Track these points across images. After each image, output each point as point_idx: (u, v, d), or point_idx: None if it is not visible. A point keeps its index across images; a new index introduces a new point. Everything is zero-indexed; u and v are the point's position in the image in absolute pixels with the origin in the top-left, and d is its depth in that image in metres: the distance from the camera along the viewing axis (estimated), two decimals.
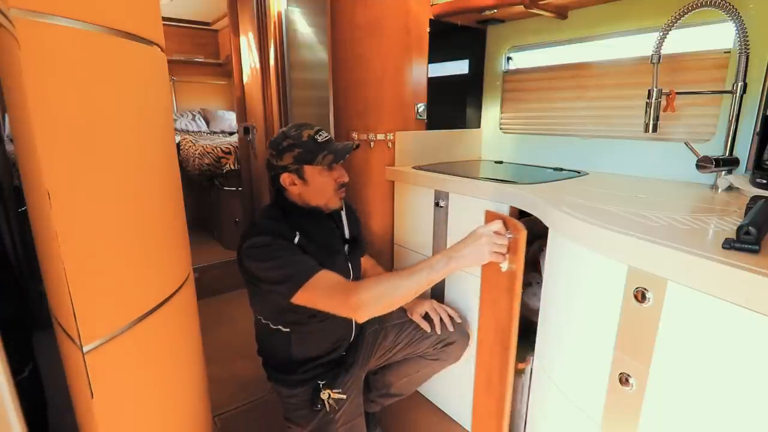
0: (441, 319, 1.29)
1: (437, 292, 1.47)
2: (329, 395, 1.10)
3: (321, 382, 1.12)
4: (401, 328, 1.31)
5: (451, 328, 1.28)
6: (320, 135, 1.10)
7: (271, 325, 1.14)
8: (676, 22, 1.06)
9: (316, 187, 1.11)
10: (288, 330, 1.12)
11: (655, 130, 1.16)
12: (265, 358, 1.23)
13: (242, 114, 2.61)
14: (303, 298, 0.98)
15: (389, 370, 1.36)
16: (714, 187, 1.17)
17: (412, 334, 1.29)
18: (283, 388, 1.15)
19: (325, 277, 1.00)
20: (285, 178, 1.11)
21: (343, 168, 1.15)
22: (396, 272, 0.97)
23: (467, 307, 1.36)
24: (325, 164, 1.08)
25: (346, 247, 1.24)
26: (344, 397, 1.12)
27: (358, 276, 1.29)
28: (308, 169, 1.09)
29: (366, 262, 1.44)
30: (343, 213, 1.27)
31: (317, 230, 1.14)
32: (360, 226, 1.37)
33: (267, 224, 1.07)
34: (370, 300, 0.93)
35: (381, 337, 1.30)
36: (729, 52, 1.20)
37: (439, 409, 1.56)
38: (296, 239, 1.07)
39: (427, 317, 1.30)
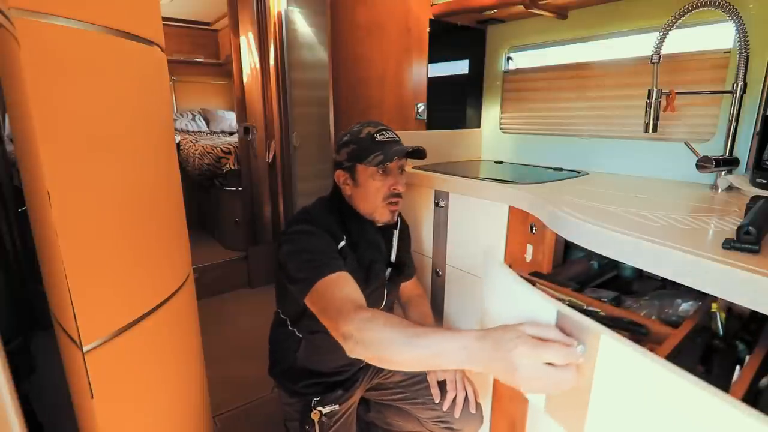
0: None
1: (437, 300, 1.47)
2: (320, 415, 1.05)
3: (315, 399, 1.06)
4: (413, 377, 1.17)
5: (457, 414, 1.10)
6: (382, 134, 1.01)
7: (289, 325, 1.10)
8: (676, 22, 1.06)
9: (366, 192, 1.01)
10: (300, 336, 1.08)
11: (655, 130, 1.16)
12: (272, 357, 1.18)
13: (242, 114, 2.61)
14: (311, 300, 0.86)
15: (387, 408, 1.26)
16: (714, 187, 1.17)
17: (420, 393, 1.15)
18: (283, 393, 1.13)
19: (338, 282, 0.84)
20: (339, 176, 1.05)
21: (402, 176, 1.04)
22: (409, 327, 0.66)
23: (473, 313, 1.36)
24: (374, 163, 0.98)
25: (388, 271, 1.12)
26: (337, 407, 1.07)
27: (391, 306, 1.19)
28: (360, 169, 1.01)
29: (413, 288, 1.30)
30: (396, 232, 1.15)
31: (363, 242, 1.04)
32: (409, 249, 1.25)
33: (319, 216, 1.01)
34: (362, 340, 0.69)
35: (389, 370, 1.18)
36: (729, 52, 1.20)
37: None
38: (341, 244, 0.99)
39: (442, 385, 1.13)
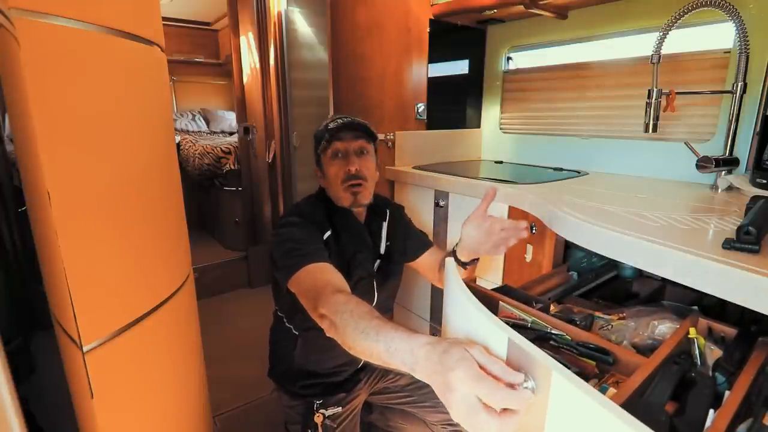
0: None
1: (437, 300, 1.47)
2: (323, 418, 1.04)
3: (317, 402, 1.06)
4: (420, 380, 1.16)
5: None
6: (335, 122, 1.01)
7: (286, 322, 1.10)
8: (676, 22, 1.06)
9: (329, 179, 1.03)
10: (297, 333, 1.08)
11: (655, 130, 1.16)
12: (271, 359, 1.18)
13: (242, 114, 2.61)
14: (293, 284, 0.88)
15: (392, 411, 1.24)
16: (714, 187, 1.17)
17: (428, 396, 1.13)
18: (284, 395, 1.13)
19: (322, 269, 0.86)
20: (316, 171, 1.08)
21: (361, 158, 1.01)
22: (373, 318, 0.64)
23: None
24: (322, 149, 1.00)
25: (377, 263, 1.10)
26: (340, 410, 1.06)
27: (386, 300, 1.17)
28: (323, 160, 1.03)
29: (433, 254, 1.20)
30: (385, 224, 1.12)
31: (345, 233, 1.04)
32: (409, 231, 1.19)
33: (305, 209, 1.03)
34: (334, 322, 0.70)
35: (394, 372, 1.17)
36: (729, 52, 1.20)
37: None
38: (326, 235, 1.00)
39: None
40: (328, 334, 0.71)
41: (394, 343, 0.57)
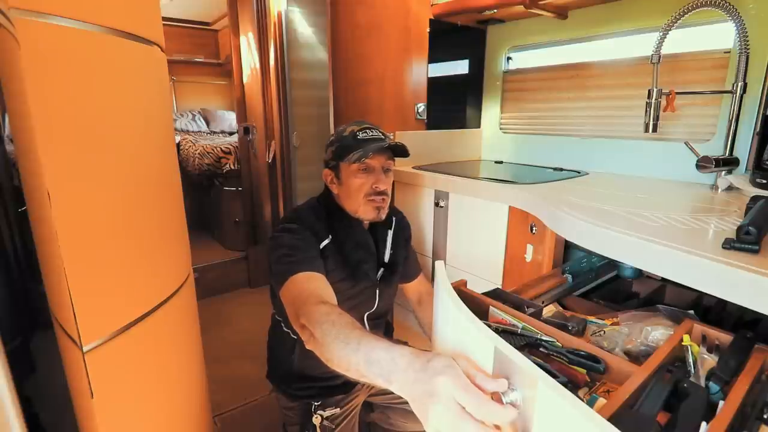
0: None
1: None
2: (322, 419, 1.04)
3: (315, 403, 1.05)
4: None
5: None
6: (365, 132, 1.00)
7: (283, 326, 1.09)
8: (676, 22, 1.06)
9: (349, 190, 1.01)
10: (295, 338, 1.07)
11: (655, 130, 1.16)
12: (270, 363, 1.18)
13: (242, 114, 2.61)
14: (283, 293, 0.87)
15: (393, 410, 1.23)
16: (714, 187, 1.17)
17: None
18: (282, 397, 1.12)
19: (310, 279, 0.87)
20: (326, 174, 1.06)
21: (387, 176, 1.03)
22: (355, 329, 0.63)
23: None
24: (353, 160, 0.97)
25: (381, 271, 1.10)
26: (338, 411, 1.06)
27: (385, 308, 1.17)
28: (343, 167, 1.01)
29: (420, 286, 1.26)
30: (390, 232, 1.12)
31: (349, 242, 1.03)
32: (408, 249, 1.21)
33: (305, 214, 1.02)
34: (314, 333, 0.68)
35: None
36: (729, 52, 1.20)
37: None
38: (324, 243, 0.99)
39: None
40: (307, 347, 0.70)
41: (375, 352, 0.54)
